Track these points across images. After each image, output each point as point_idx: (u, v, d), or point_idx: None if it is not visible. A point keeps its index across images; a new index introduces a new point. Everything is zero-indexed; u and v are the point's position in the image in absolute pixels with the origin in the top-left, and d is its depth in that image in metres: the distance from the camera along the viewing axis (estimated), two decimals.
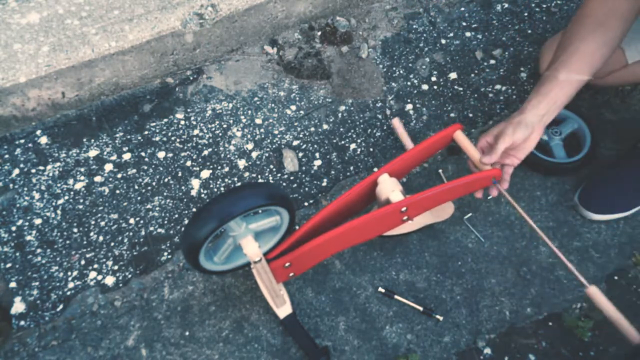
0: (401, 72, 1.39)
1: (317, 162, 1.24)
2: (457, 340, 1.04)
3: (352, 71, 1.39)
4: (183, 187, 1.20)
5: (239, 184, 1.21)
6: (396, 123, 1.26)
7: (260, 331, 1.03)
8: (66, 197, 1.17)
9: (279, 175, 1.22)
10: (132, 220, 1.15)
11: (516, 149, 0.98)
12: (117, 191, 1.19)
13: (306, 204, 1.19)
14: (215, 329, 1.03)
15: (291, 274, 0.96)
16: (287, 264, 0.92)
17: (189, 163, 1.23)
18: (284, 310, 1.02)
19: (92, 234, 1.13)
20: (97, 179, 1.20)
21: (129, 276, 1.08)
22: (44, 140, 1.24)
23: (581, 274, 0.87)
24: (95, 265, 1.09)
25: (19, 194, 1.17)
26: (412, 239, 1.14)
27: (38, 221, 1.14)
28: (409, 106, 1.33)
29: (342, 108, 1.33)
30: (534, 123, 0.96)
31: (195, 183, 1.20)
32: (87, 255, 1.10)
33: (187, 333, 1.03)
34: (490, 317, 1.06)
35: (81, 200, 1.17)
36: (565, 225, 1.16)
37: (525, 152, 0.99)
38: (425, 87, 1.37)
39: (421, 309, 1.05)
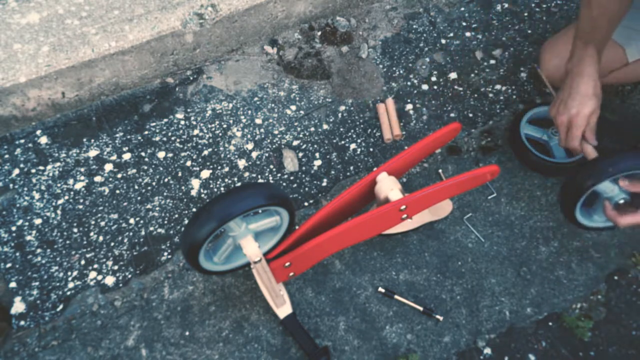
0: (401, 72, 1.39)
1: (317, 162, 1.24)
2: (457, 340, 1.04)
3: (352, 71, 1.39)
4: (183, 187, 1.20)
5: (239, 184, 1.21)
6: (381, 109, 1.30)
7: (260, 331, 1.03)
8: (66, 197, 1.17)
9: (279, 175, 1.22)
10: (132, 220, 1.15)
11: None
12: (117, 191, 1.19)
13: (306, 204, 1.19)
14: (215, 329, 1.03)
15: (291, 274, 0.96)
16: (287, 264, 0.92)
17: (189, 163, 1.23)
18: (284, 310, 1.02)
19: (92, 234, 1.13)
20: (97, 179, 1.20)
21: (129, 276, 1.08)
22: (44, 140, 1.25)
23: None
24: (95, 265, 1.09)
25: (19, 194, 1.17)
26: (412, 239, 1.14)
27: (38, 221, 1.14)
28: (409, 106, 1.33)
29: (342, 108, 1.33)
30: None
31: (195, 183, 1.20)
32: (87, 255, 1.10)
33: (187, 333, 1.03)
34: (490, 317, 1.06)
35: (81, 200, 1.17)
36: (565, 225, 1.16)
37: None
38: (425, 87, 1.37)
39: (421, 309, 1.05)
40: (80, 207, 1.16)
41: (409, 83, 1.37)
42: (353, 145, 1.27)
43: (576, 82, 1.03)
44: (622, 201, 0.97)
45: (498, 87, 1.37)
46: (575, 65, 1.03)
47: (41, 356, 1.00)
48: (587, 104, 1.02)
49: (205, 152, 1.25)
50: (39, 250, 1.11)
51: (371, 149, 1.26)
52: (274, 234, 0.98)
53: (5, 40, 1.21)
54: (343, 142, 1.27)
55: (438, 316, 1.05)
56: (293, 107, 1.32)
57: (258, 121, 1.30)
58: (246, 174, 1.22)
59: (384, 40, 1.44)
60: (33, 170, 1.20)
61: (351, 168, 1.24)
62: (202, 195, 1.19)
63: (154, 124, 1.28)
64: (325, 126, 1.30)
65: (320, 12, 1.46)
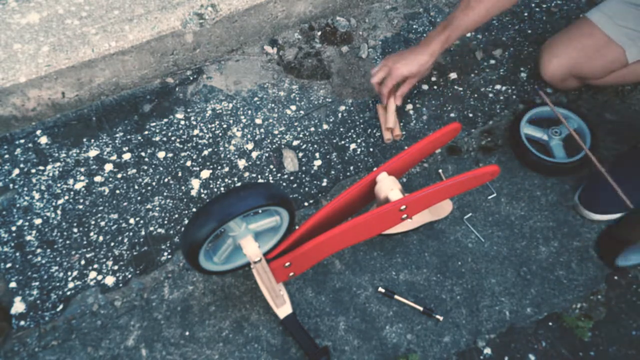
0: None
1: (317, 162, 1.24)
2: (457, 340, 1.04)
3: (352, 71, 1.39)
4: (183, 187, 1.20)
5: (239, 184, 1.21)
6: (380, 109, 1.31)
7: (260, 331, 1.03)
8: (66, 197, 1.17)
9: (279, 175, 1.22)
10: (132, 220, 1.15)
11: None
12: (117, 191, 1.19)
13: (306, 204, 1.19)
14: (215, 329, 1.03)
15: (291, 274, 0.96)
16: (287, 264, 0.92)
17: (189, 163, 1.23)
18: (284, 310, 1.02)
19: (92, 234, 1.13)
20: (97, 179, 1.20)
21: (129, 276, 1.08)
22: (44, 140, 1.25)
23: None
24: (95, 265, 1.09)
25: (19, 194, 1.17)
26: (412, 239, 1.14)
27: (38, 221, 1.14)
28: (409, 106, 1.33)
29: (342, 108, 1.33)
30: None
31: (195, 183, 1.20)
32: (87, 255, 1.10)
33: (187, 333, 1.03)
34: (490, 317, 1.06)
35: (81, 200, 1.17)
36: (565, 225, 1.16)
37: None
38: (425, 87, 1.37)
39: (421, 309, 1.05)
40: (80, 207, 1.16)
41: None
42: (353, 145, 1.27)
43: (418, 50, 1.17)
44: None
45: (498, 87, 1.37)
46: (427, 39, 1.17)
47: (41, 356, 1.00)
48: (410, 67, 1.17)
49: (205, 152, 1.25)
50: (39, 250, 1.11)
51: (371, 149, 1.26)
52: (274, 234, 0.98)
53: (5, 40, 1.21)
54: (343, 142, 1.27)
55: (438, 316, 1.05)
56: (293, 107, 1.32)
57: (258, 121, 1.30)
58: (246, 174, 1.22)
59: (384, 40, 1.44)
60: (33, 170, 1.20)
61: (351, 168, 1.24)
62: (202, 195, 1.19)
63: (154, 124, 1.28)
64: (325, 126, 1.30)
65: (320, 12, 1.46)
